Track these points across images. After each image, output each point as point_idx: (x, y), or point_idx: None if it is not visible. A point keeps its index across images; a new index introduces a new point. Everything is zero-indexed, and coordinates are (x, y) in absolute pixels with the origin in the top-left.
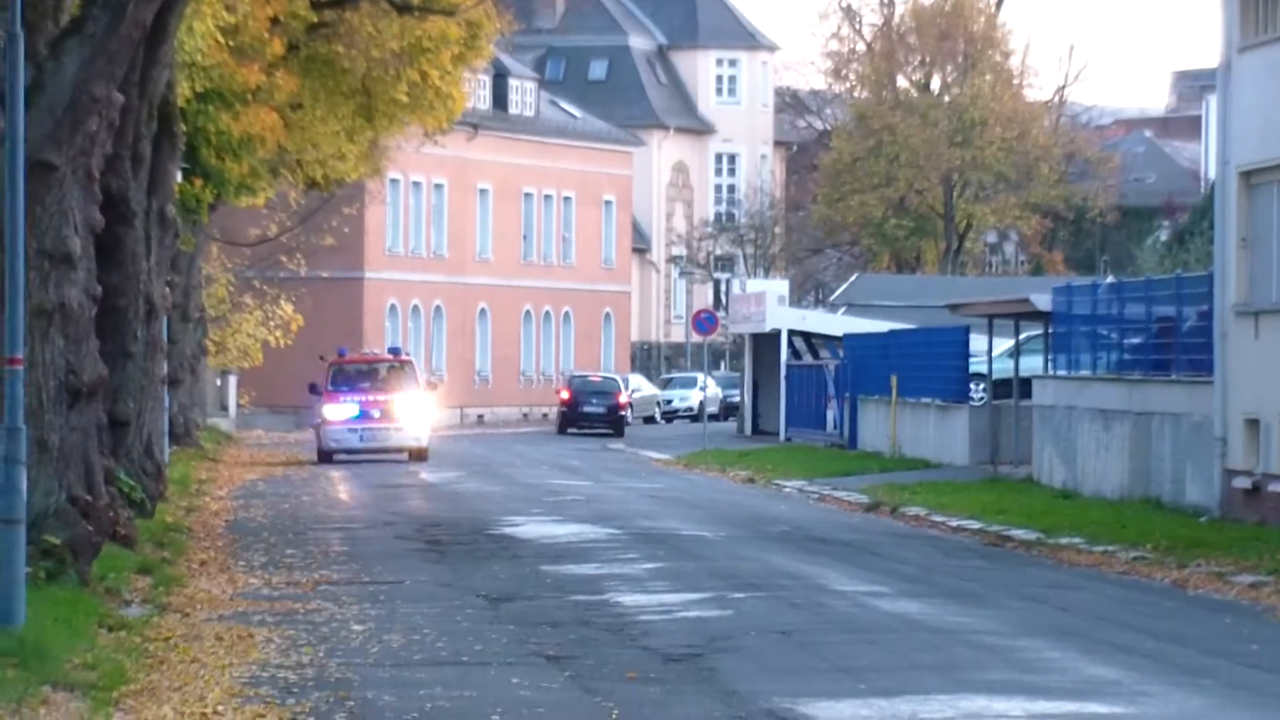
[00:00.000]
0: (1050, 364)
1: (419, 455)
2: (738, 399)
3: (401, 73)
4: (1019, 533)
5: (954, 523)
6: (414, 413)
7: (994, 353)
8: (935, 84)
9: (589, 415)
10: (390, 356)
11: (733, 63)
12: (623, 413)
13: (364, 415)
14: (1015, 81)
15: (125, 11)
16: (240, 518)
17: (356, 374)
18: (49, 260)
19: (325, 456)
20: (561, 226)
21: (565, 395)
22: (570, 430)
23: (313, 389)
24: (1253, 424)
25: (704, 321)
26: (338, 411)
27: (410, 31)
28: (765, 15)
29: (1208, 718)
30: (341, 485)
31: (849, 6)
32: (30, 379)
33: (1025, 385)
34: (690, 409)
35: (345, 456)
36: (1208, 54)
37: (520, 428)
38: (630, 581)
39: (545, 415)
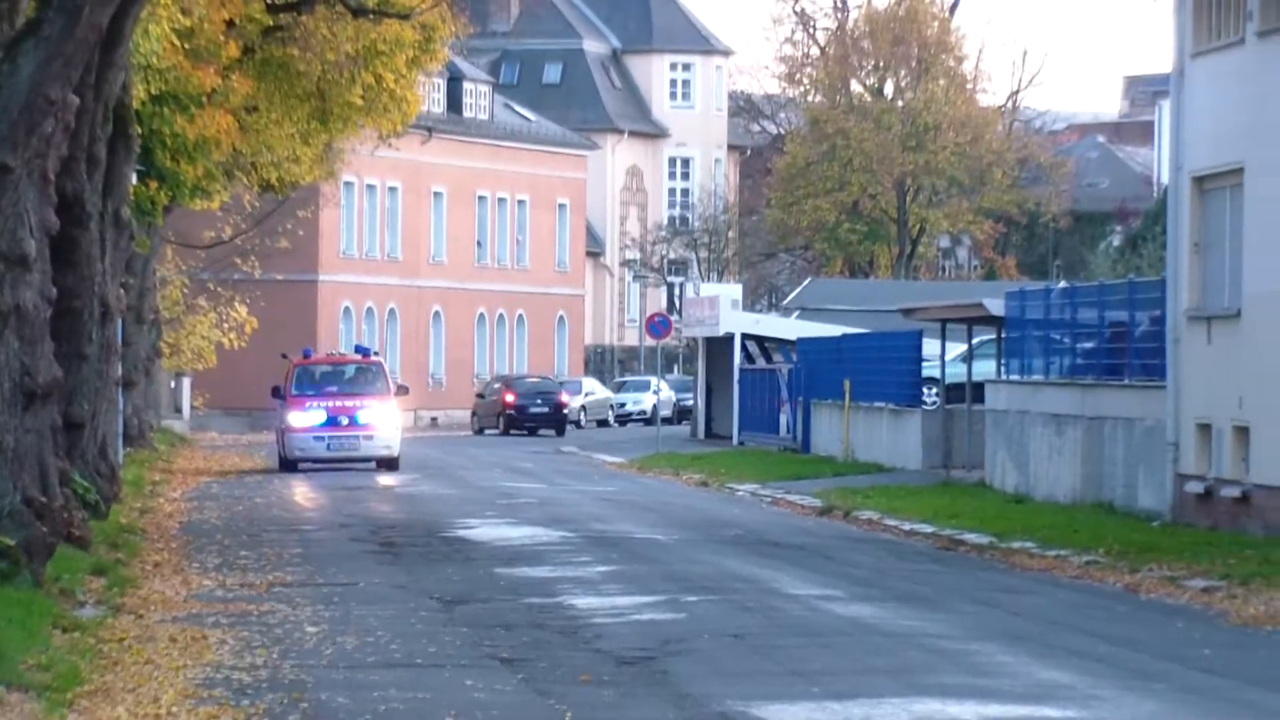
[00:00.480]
0: (1003, 368)
1: (389, 464)
2: (691, 403)
3: (356, 76)
4: (971, 537)
5: (907, 526)
6: (385, 419)
7: (947, 357)
8: (889, 89)
9: (535, 416)
10: (359, 357)
11: (687, 67)
12: (565, 411)
13: (331, 422)
14: (968, 86)
15: (80, 14)
16: (194, 519)
17: (322, 376)
18: (4, 262)
19: (288, 465)
20: (515, 230)
21: (510, 398)
22: (513, 431)
23: (275, 392)
24: (1205, 429)
25: (658, 325)
26: (303, 418)
27: (365, 35)
28: (719, 19)
29: None
30: (296, 488)
31: (803, 11)
32: None
33: (978, 390)
34: (644, 412)
35: (310, 466)
36: (1160, 60)
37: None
38: (584, 584)
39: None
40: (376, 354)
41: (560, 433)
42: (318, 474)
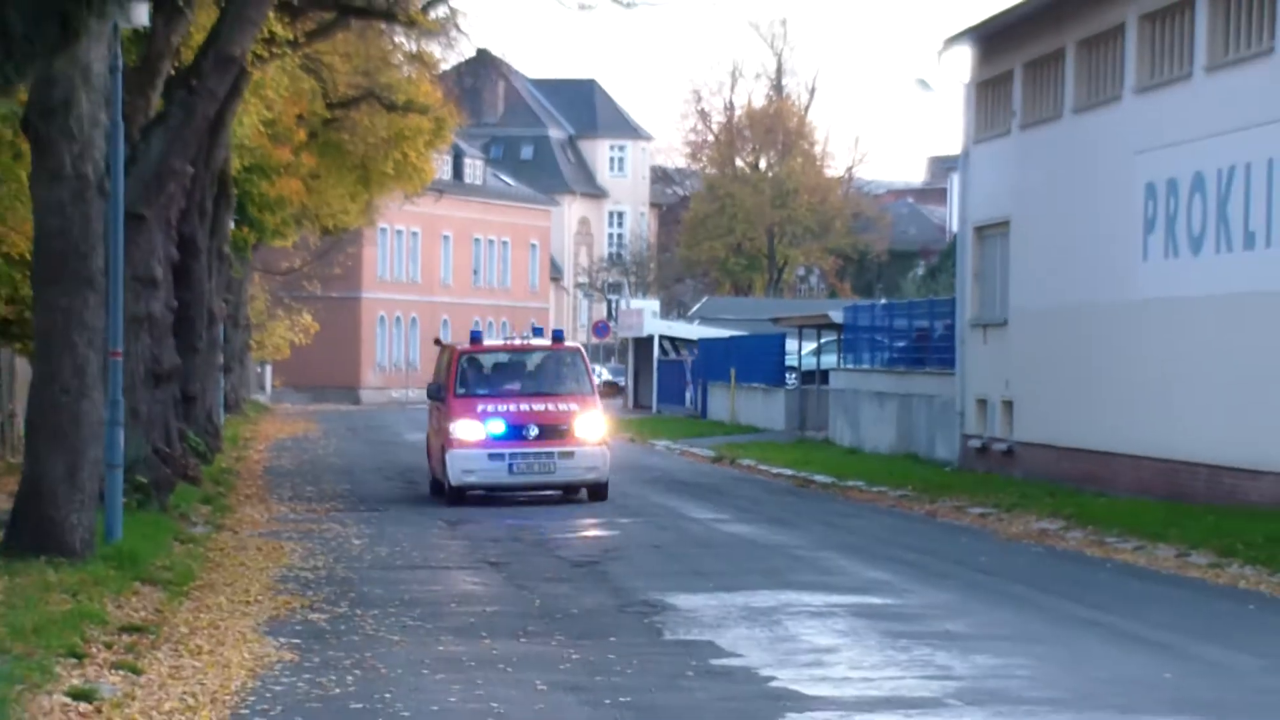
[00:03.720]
0: (842, 360)
1: (597, 492)
2: (623, 382)
3: (389, 153)
4: (819, 477)
5: (774, 470)
6: (589, 429)
7: (803, 352)
8: (763, 164)
9: None
10: (547, 342)
11: (621, 148)
12: None
13: (515, 433)
14: (818, 163)
15: (196, 109)
16: (274, 465)
17: (498, 369)
18: (140, 283)
19: (454, 495)
20: (500, 262)
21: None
22: None
23: (433, 393)
24: (982, 402)
25: (601, 329)
26: (471, 429)
27: (395, 124)
28: (645, 113)
29: (952, 606)
30: (345, 443)
31: (703, 110)
32: (126, 367)
33: (825, 375)
34: None
35: (486, 495)
36: (953, 143)
37: None
38: (548, 510)
39: None
40: (567, 339)
41: None
42: (361, 432)
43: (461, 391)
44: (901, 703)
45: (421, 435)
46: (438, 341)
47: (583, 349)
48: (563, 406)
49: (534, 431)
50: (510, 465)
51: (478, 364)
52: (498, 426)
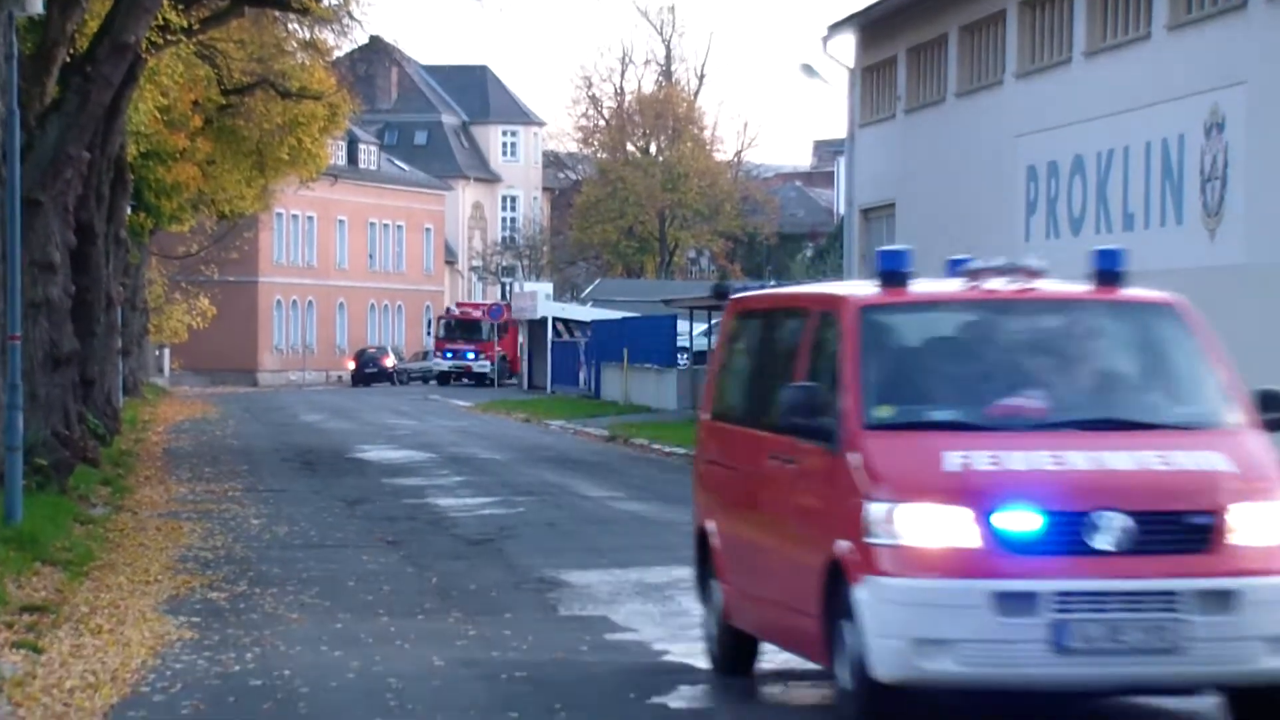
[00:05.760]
0: None
1: None
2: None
3: (284, 139)
4: None
5: (667, 449)
6: (1266, 522)
7: (694, 333)
8: (653, 148)
9: (370, 375)
10: (1084, 289)
11: (513, 133)
12: (391, 370)
13: (1066, 534)
14: (708, 147)
15: (91, 96)
16: (173, 447)
17: (979, 354)
18: (37, 268)
19: (875, 705)
20: (395, 246)
21: (353, 364)
22: (359, 385)
23: (803, 409)
24: None
25: (495, 311)
26: (949, 524)
27: (290, 110)
28: (537, 99)
29: None
30: (243, 424)
31: (593, 96)
32: (25, 351)
33: None
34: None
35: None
36: (838, 127)
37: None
38: (444, 490)
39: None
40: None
41: (394, 383)
42: (259, 413)
43: (894, 414)
44: (794, 675)
45: (319, 416)
46: (724, 292)
47: (1188, 305)
48: (1183, 456)
49: (1117, 531)
50: (1058, 631)
51: (935, 344)
52: (1026, 520)
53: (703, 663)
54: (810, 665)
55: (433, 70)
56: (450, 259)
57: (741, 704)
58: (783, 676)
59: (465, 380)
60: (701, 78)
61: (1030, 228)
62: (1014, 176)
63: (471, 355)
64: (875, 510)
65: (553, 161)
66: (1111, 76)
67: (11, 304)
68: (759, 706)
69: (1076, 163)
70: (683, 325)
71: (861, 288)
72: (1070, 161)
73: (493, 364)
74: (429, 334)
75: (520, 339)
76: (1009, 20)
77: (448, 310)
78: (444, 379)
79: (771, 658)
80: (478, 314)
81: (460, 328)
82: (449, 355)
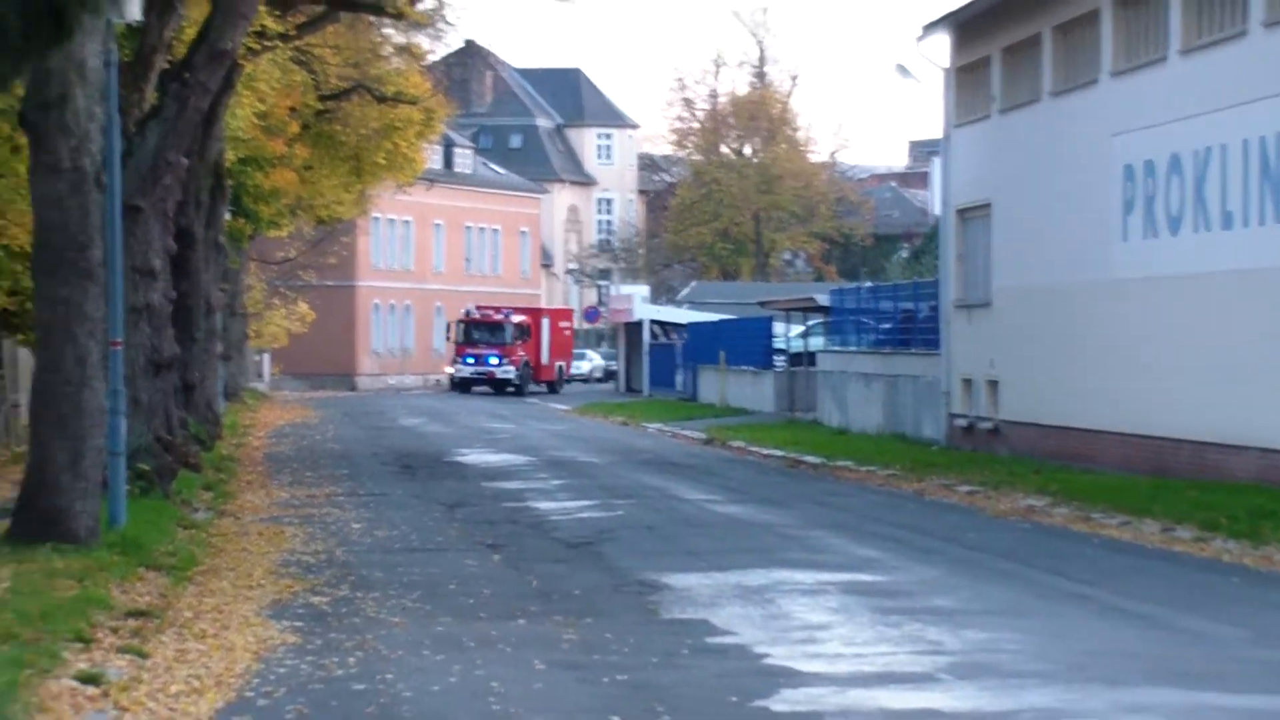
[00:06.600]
0: (829, 342)
1: None
2: (615, 367)
3: (380, 144)
4: (809, 458)
5: (764, 451)
6: None
7: (790, 335)
8: (747, 150)
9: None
10: None
11: (608, 136)
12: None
13: None
14: (802, 148)
15: (189, 102)
16: (273, 451)
17: None
18: (138, 273)
19: None
20: (491, 249)
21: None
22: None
23: None
24: (967, 382)
25: (591, 314)
26: None
27: (386, 115)
28: (631, 101)
29: (941, 582)
30: (343, 429)
31: (687, 98)
32: (126, 356)
33: (812, 357)
34: (583, 375)
35: None
36: (934, 128)
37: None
38: (543, 493)
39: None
40: None
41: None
42: (357, 417)
43: None
44: (894, 678)
45: (416, 420)
46: None
47: None
48: None
49: None
50: None
51: None
52: None
53: (804, 665)
54: (912, 669)
55: (526, 73)
56: (546, 262)
57: (844, 708)
58: (884, 679)
59: (486, 388)
60: (795, 79)
61: (1128, 227)
62: (1110, 175)
63: (495, 360)
64: None
65: (647, 164)
66: (1208, 74)
67: (113, 309)
68: (861, 711)
69: (1173, 161)
70: (779, 327)
71: None
72: (1167, 160)
73: (517, 369)
74: (447, 338)
75: (543, 341)
76: (1103, 19)
77: (465, 311)
78: (463, 386)
79: (871, 660)
80: (498, 315)
81: (480, 330)
82: (469, 360)
